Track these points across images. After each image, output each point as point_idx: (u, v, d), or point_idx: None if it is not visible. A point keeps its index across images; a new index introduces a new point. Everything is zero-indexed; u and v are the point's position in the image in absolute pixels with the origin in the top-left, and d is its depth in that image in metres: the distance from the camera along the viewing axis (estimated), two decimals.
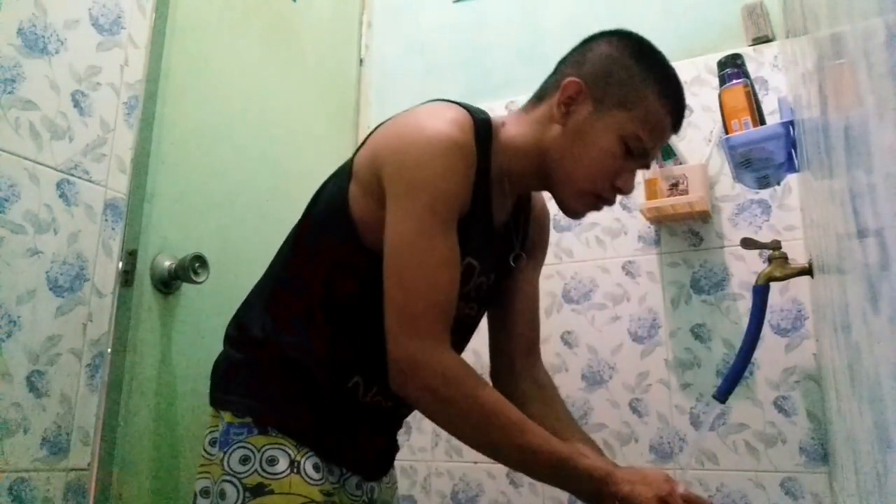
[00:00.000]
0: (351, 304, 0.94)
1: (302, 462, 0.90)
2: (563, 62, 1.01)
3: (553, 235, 1.66)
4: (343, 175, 0.96)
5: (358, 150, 0.97)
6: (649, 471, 0.88)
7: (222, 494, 0.89)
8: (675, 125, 0.97)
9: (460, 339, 1.07)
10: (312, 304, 0.95)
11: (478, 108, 0.97)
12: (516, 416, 0.85)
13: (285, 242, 1.04)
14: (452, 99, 0.98)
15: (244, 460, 0.90)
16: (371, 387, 0.97)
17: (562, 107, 0.94)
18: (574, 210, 0.99)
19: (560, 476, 0.86)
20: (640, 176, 1.48)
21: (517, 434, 0.84)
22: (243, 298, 1.08)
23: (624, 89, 0.93)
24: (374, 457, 1.03)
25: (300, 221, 1.02)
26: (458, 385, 0.84)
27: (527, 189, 1.07)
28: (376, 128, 0.97)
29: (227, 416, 0.93)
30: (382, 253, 0.88)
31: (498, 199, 0.99)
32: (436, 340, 0.84)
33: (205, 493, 0.92)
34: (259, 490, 0.88)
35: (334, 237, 0.94)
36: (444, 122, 0.89)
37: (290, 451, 0.90)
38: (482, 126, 0.94)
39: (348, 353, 0.94)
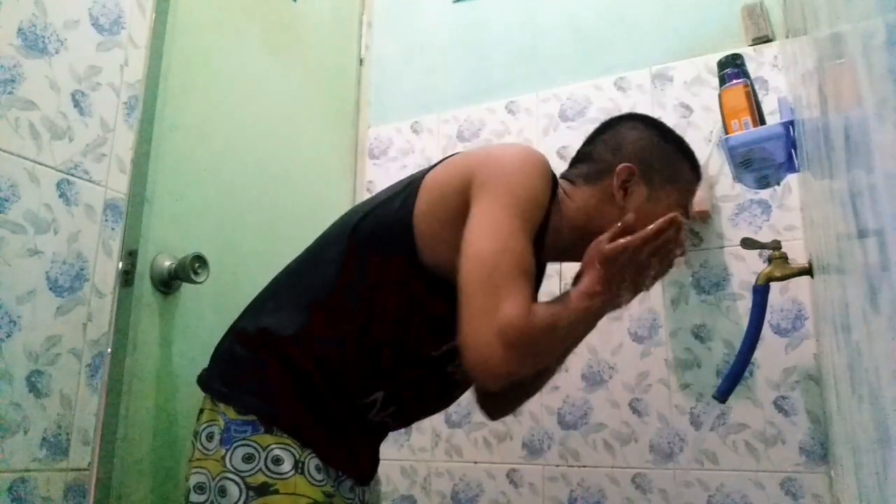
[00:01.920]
0: (393, 319, 0.95)
1: (306, 463, 0.91)
2: (594, 149, 1.07)
3: None
4: (409, 193, 0.97)
5: (428, 171, 1.00)
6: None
7: (222, 491, 0.88)
8: (699, 182, 1.10)
9: (455, 394, 1.10)
10: (356, 315, 0.95)
11: None
12: (554, 314, 0.88)
13: (324, 250, 1.03)
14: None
15: (248, 458, 0.89)
16: (388, 406, 0.99)
17: (620, 191, 1.01)
18: None
19: (583, 320, 0.92)
20: None
21: (563, 328, 0.89)
22: (244, 298, 1.08)
23: (665, 167, 1.03)
24: (368, 462, 1.05)
25: (353, 229, 1.00)
26: (551, 331, 0.87)
27: (561, 259, 1.11)
28: (450, 156, 1.02)
29: (228, 412, 0.93)
30: (437, 272, 0.92)
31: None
32: (523, 299, 0.84)
33: (199, 488, 0.91)
34: (264, 489, 0.88)
35: (393, 252, 0.95)
36: (533, 149, 0.98)
37: (294, 452, 0.91)
38: (553, 176, 1.00)
39: (377, 368, 0.96)
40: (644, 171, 1.01)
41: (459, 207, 0.91)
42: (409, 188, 0.98)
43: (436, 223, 0.92)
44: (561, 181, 1.06)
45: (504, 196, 0.89)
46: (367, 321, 0.95)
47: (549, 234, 0.99)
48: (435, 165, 1.00)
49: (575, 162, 1.09)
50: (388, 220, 0.97)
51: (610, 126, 1.08)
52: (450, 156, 1.02)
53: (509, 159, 0.93)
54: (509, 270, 0.84)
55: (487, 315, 0.82)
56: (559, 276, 1.64)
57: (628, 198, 1.01)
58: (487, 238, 0.86)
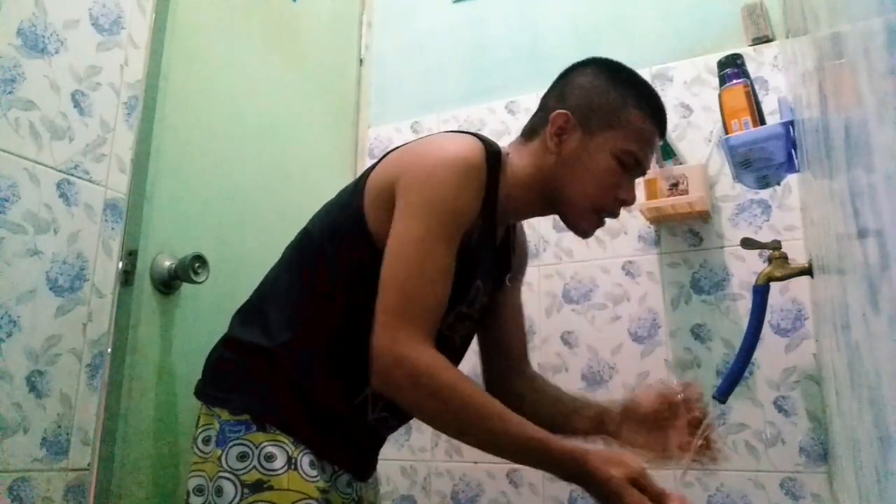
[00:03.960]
0: (369, 312, 0.95)
1: (299, 459, 0.91)
2: (546, 97, 1.08)
3: (553, 235, 1.67)
4: (357, 192, 0.99)
5: (371, 169, 1.00)
6: (623, 453, 0.90)
7: (219, 491, 0.89)
8: (661, 130, 1.05)
9: (458, 359, 1.10)
10: (339, 314, 0.96)
11: (490, 140, 1.02)
12: (493, 405, 0.86)
13: (296, 256, 1.04)
14: (469, 131, 1.04)
15: (242, 457, 0.90)
16: (378, 401, 0.99)
17: (554, 138, 1.01)
18: (583, 229, 1.06)
19: (538, 459, 0.88)
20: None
21: (496, 421, 0.85)
22: (243, 298, 1.08)
23: (606, 111, 1.01)
24: (366, 457, 1.06)
25: (319, 232, 1.02)
26: (440, 376, 0.85)
27: (528, 216, 1.12)
28: (391, 151, 1.02)
29: (223, 414, 0.94)
30: None
31: (500, 223, 1.05)
32: (422, 337, 0.86)
33: (199, 490, 0.92)
34: (258, 486, 0.89)
35: (357, 248, 0.96)
36: (460, 145, 0.95)
37: (287, 448, 0.91)
38: (493, 155, 0.99)
39: (364, 363, 0.96)
40: (581, 117, 1.01)
41: (393, 205, 0.92)
42: (357, 188, 1.00)
43: (381, 219, 0.94)
44: (509, 146, 1.07)
45: (423, 209, 0.89)
46: (351, 318, 0.96)
47: (500, 202, 1.01)
48: (380, 160, 1.01)
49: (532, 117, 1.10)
50: (348, 220, 0.98)
51: (565, 75, 1.09)
52: (391, 150, 1.02)
53: (431, 167, 0.92)
54: (419, 298, 0.86)
55: (394, 336, 0.85)
56: (559, 277, 1.64)
57: (562, 146, 1.01)
58: (405, 259, 0.88)
